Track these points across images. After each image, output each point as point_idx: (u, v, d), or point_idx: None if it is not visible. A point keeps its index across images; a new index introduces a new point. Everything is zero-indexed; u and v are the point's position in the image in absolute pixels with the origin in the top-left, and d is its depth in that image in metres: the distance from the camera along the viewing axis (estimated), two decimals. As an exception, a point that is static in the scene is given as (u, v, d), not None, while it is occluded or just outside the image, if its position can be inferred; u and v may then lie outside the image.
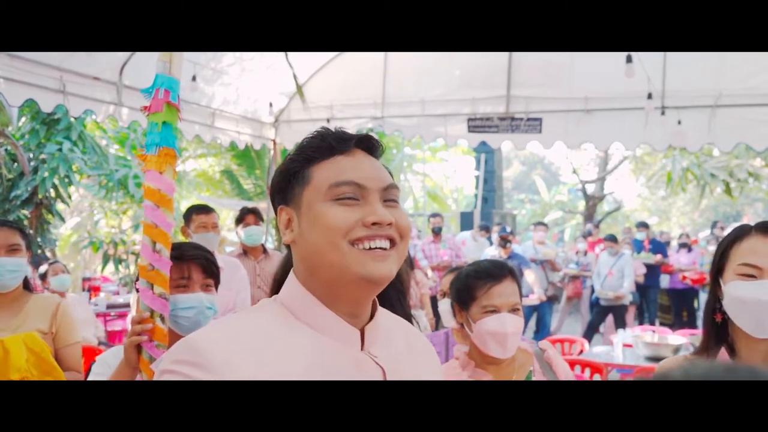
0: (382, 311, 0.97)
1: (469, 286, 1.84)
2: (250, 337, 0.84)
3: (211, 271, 1.80)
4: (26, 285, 2.44)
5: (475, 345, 1.84)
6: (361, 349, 0.91)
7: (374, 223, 0.86)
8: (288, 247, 0.94)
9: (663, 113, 5.24)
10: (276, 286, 2.11)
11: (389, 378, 0.90)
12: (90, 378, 1.82)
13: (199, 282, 1.77)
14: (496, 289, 1.80)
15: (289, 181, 0.92)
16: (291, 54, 5.48)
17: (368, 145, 0.93)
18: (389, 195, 0.90)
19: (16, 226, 2.41)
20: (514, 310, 1.80)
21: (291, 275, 0.94)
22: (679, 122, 5.23)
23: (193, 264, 1.77)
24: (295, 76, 5.42)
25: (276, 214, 0.94)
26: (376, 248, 0.86)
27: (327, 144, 0.90)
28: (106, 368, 1.79)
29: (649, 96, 5.06)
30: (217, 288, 1.85)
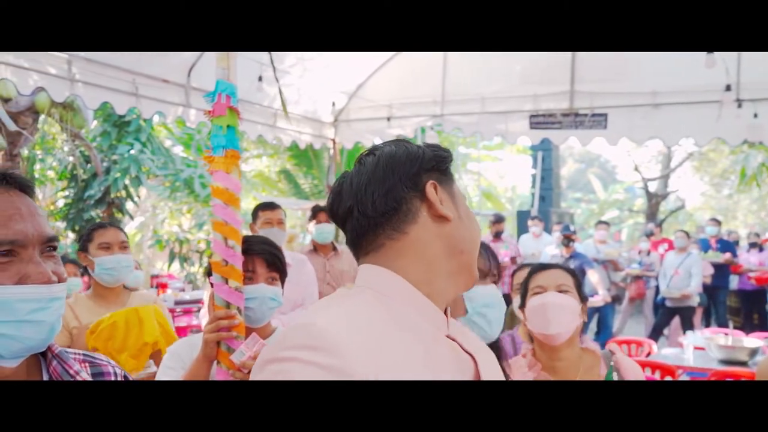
0: None
1: (525, 280, 1.94)
2: (361, 320, 0.83)
3: (275, 265, 1.86)
4: None
5: (535, 338, 1.85)
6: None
7: None
8: None
9: (740, 106, 4.99)
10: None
11: (479, 363, 0.93)
12: (162, 371, 1.81)
13: (263, 275, 1.83)
14: (543, 273, 1.88)
15: (438, 163, 0.96)
16: (351, 54, 5.50)
17: None
18: None
19: (118, 226, 2.57)
20: (560, 291, 1.81)
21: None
22: (756, 115, 4.99)
23: (258, 258, 1.83)
24: (280, 91, 5.31)
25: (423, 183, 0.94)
26: None
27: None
28: (178, 361, 1.81)
29: (728, 88, 4.84)
30: (282, 281, 1.90)
